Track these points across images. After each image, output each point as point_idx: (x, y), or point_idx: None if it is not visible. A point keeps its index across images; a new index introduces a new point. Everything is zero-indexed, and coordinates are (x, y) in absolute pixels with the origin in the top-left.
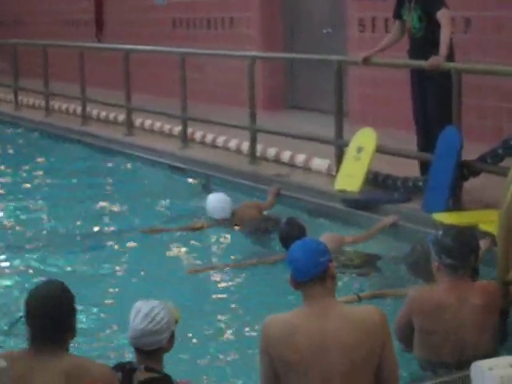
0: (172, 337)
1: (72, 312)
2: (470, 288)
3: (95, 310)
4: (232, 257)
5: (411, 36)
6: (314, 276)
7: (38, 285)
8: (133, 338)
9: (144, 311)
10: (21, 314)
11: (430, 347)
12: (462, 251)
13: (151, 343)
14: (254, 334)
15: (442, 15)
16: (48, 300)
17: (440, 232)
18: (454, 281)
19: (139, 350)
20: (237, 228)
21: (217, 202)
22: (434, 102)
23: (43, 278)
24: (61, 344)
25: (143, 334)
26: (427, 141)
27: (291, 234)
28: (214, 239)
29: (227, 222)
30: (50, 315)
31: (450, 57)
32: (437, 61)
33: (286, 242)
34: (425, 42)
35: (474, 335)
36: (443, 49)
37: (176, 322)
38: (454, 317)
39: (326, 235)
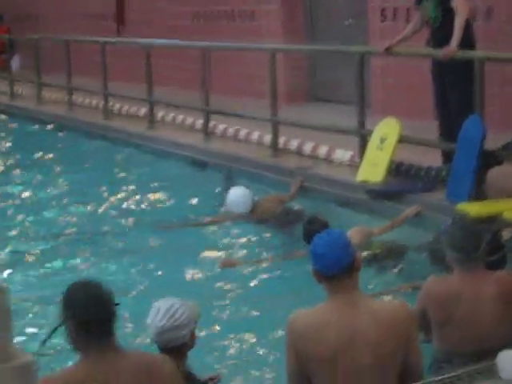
0: (193, 333)
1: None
2: (484, 278)
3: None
4: (255, 251)
5: (430, 26)
6: (341, 270)
7: (74, 282)
8: (155, 334)
9: (164, 308)
10: (56, 325)
11: (446, 338)
12: (466, 245)
13: (173, 339)
14: (280, 329)
15: (456, 4)
16: (96, 294)
17: (448, 226)
18: (466, 272)
19: (162, 349)
20: (258, 220)
21: (236, 196)
22: (455, 92)
23: (65, 276)
24: (115, 338)
25: (164, 330)
26: (449, 130)
27: (315, 231)
28: (235, 234)
29: (248, 217)
30: (106, 308)
31: (471, 45)
32: (449, 51)
33: (310, 239)
34: (442, 31)
35: (491, 325)
36: (455, 38)
37: (196, 319)
38: (469, 307)
39: (355, 229)
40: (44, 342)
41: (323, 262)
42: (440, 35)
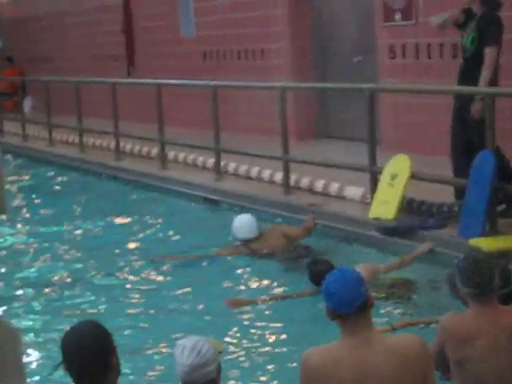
0: (219, 369)
1: (111, 348)
2: (500, 312)
3: (131, 347)
4: (262, 288)
5: (462, 52)
6: (355, 308)
7: (72, 326)
8: (184, 373)
9: (189, 346)
10: (59, 361)
11: (465, 375)
12: (479, 280)
13: (202, 376)
14: (293, 366)
15: (488, 53)
16: (84, 338)
17: (460, 261)
18: (482, 307)
19: None
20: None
21: (242, 222)
22: (475, 128)
23: (74, 318)
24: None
25: (193, 368)
26: (463, 166)
27: (319, 271)
28: (243, 269)
29: (252, 243)
30: (89, 354)
31: (495, 82)
32: (474, 110)
33: (316, 280)
34: (472, 62)
35: (510, 360)
36: (480, 88)
37: (219, 352)
38: (487, 343)
39: (361, 266)
40: (50, 373)
41: (337, 301)
42: (469, 65)
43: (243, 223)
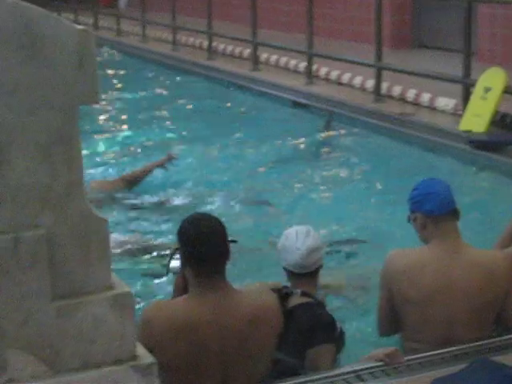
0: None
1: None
2: None
3: None
4: None
5: None
6: (450, 209)
7: (190, 217)
8: (301, 257)
9: (302, 231)
10: (173, 248)
11: None
12: None
13: (316, 261)
14: None
15: None
16: (213, 226)
17: None
18: None
19: (295, 275)
20: None
21: None
22: None
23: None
24: (225, 276)
25: (310, 251)
26: None
27: None
28: None
29: None
30: (220, 240)
31: None
32: None
33: None
34: None
35: None
36: None
37: None
38: None
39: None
40: (167, 268)
41: (435, 200)
42: None
43: None
